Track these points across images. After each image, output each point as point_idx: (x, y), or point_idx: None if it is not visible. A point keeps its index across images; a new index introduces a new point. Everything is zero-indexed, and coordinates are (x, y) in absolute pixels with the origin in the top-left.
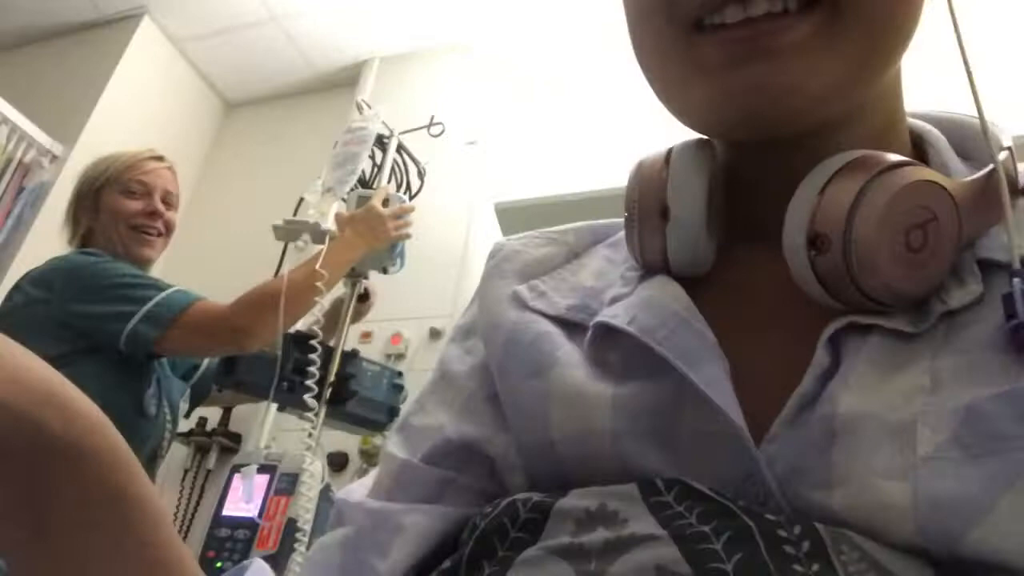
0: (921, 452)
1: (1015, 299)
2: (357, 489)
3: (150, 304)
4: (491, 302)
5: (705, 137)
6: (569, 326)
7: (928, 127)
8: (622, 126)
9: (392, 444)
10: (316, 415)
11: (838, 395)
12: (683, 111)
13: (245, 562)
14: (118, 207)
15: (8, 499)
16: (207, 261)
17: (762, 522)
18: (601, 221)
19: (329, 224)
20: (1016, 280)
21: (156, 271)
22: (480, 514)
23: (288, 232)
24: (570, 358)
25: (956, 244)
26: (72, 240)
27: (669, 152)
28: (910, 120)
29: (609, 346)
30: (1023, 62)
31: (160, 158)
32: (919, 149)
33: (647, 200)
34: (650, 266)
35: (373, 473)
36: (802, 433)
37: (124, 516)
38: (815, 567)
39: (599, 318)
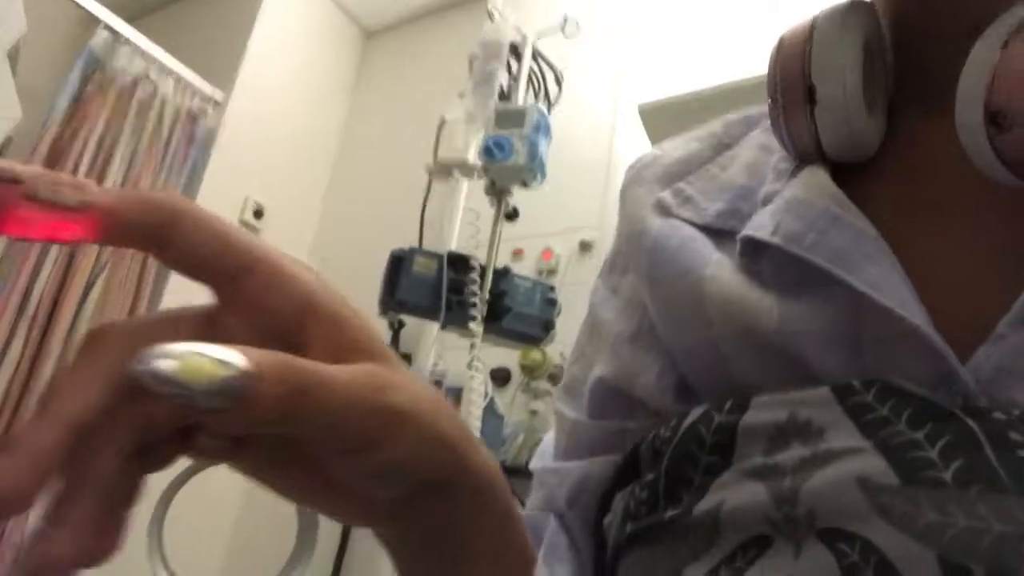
0: None
1: None
2: (547, 450)
3: None
4: (633, 211)
5: None
6: (719, 234)
7: None
8: (772, 5)
9: (560, 401)
10: (475, 333)
11: None
12: None
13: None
14: None
15: (438, 530)
16: (362, 190)
17: (988, 422)
18: (756, 107)
19: (472, 156)
20: None
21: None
22: (659, 439)
23: (440, 169)
24: (721, 267)
25: None
26: None
27: (814, 21)
28: None
29: (761, 257)
30: None
31: None
32: None
33: (790, 81)
34: (804, 155)
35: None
36: (1014, 331)
37: (513, 534)
38: None
39: (745, 231)
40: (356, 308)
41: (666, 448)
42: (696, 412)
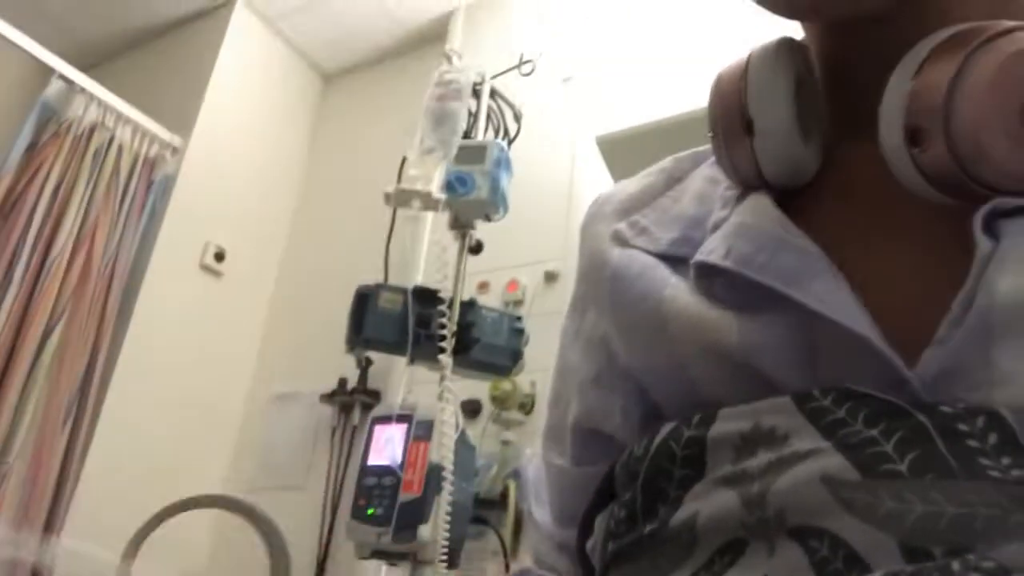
0: None
1: None
2: (538, 491)
3: None
4: (593, 245)
5: (788, 36)
6: (674, 261)
7: None
8: (723, 39)
9: (545, 448)
10: (444, 365)
11: (995, 283)
12: None
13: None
14: None
15: None
16: (325, 229)
17: (937, 416)
18: (703, 147)
19: (435, 188)
20: None
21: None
22: (632, 458)
23: (399, 198)
24: (679, 290)
25: None
26: None
27: (748, 58)
28: None
29: (715, 280)
30: None
31: None
32: None
33: (730, 115)
34: (746, 183)
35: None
36: (955, 332)
37: None
38: (1005, 460)
39: (698, 257)
40: None
41: (640, 466)
42: (666, 428)
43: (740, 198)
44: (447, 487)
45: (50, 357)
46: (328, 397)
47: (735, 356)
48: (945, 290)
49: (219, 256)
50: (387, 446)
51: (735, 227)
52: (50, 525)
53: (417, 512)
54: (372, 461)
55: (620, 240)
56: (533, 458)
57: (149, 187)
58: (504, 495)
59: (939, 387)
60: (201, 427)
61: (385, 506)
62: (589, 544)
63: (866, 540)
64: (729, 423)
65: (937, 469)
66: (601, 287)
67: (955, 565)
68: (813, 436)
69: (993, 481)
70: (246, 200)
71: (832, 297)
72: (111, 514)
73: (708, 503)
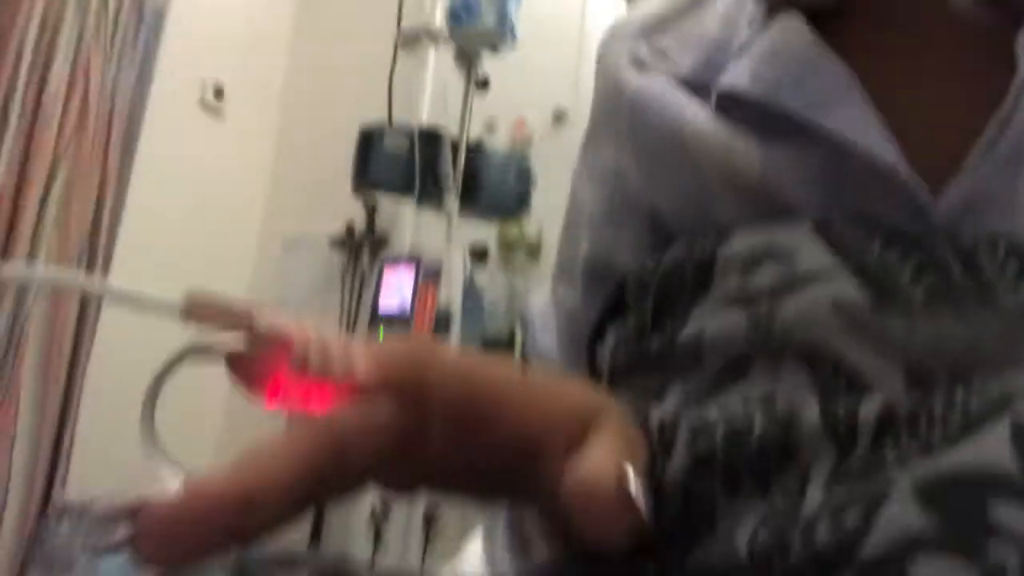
0: None
1: None
2: (544, 324)
3: None
4: (609, 69)
5: None
6: (695, 87)
7: None
8: None
9: (555, 283)
10: (450, 210)
11: None
12: None
13: None
14: None
15: None
16: (325, 63)
17: (957, 244)
18: None
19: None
20: None
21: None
22: (644, 271)
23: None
24: (701, 116)
25: None
26: None
27: None
28: None
29: (738, 107)
30: None
31: None
32: None
33: None
34: (775, 3)
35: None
36: (985, 160)
37: None
38: (1023, 289)
39: (721, 83)
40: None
41: (651, 279)
42: (680, 245)
43: (769, 20)
44: (455, 329)
45: (56, 203)
46: (338, 243)
47: (756, 186)
48: (980, 120)
49: (218, 93)
50: (396, 290)
51: (762, 50)
52: (71, 375)
53: None
54: (383, 306)
55: (640, 65)
56: (538, 294)
57: (141, 20)
58: (511, 337)
59: (963, 217)
60: (212, 274)
61: None
62: (598, 350)
63: (871, 363)
64: (742, 240)
65: (952, 296)
66: (619, 114)
67: (958, 391)
68: (827, 259)
69: (1007, 309)
70: (240, 31)
71: (859, 124)
72: (129, 358)
73: (715, 321)
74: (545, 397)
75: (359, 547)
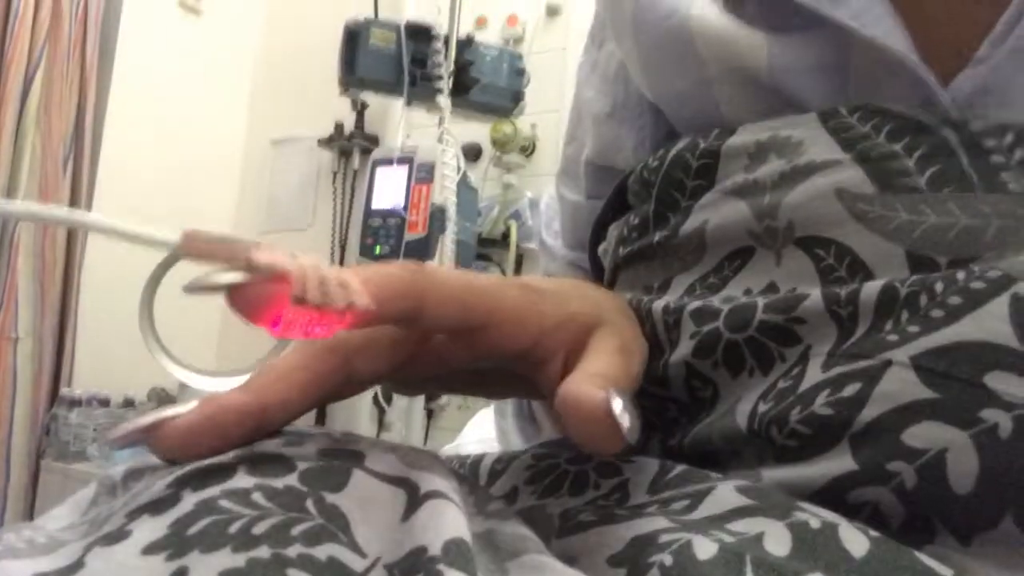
0: None
1: None
2: (551, 222)
3: None
4: None
5: None
6: None
7: None
8: None
9: (560, 183)
10: (442, 107)
11: None
12: None
13: None
14: None
15: None
16: None
17: (964, 132)
18: None
19: None
20: None
21: None
22: (647, 170)
23: None
24: (707, 8)
25: None
26: None
27: None
28: None
29: (747, 0)
30: None
31: None
32: None
33: None
34: None
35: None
36: (996, 51)
37: None
38: None
39: None
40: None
41: (654, 176)
42: (683, 141)
43: None
44: (451, 227)
45: (35, 106)
46: (326, 142)
47: (764, 79)
48: (991, 12)
49: None
50: (390, 189)
51: None
52: (68, 276)
53: (423, 249)
54: (376, 203)
55: None
56: (545, 194)
57: None
58: (506, 235)
59: (971, 107)
60: (201, 175)
61: (392, 245)
62: (602, 247)
63: (873, 249)
64: (746, 134)
65: (956, 183)
66: (623, 8)
67: (960, 273)
68: (832, 148)
69: (1012, 195)
70: None
71: (869, 13)
72: (121, 262)
73: (718, 212)
74: (544, 305)
75: (364, 429)
